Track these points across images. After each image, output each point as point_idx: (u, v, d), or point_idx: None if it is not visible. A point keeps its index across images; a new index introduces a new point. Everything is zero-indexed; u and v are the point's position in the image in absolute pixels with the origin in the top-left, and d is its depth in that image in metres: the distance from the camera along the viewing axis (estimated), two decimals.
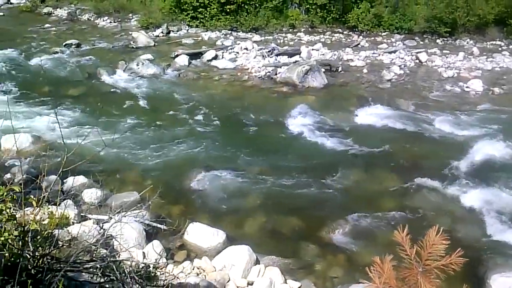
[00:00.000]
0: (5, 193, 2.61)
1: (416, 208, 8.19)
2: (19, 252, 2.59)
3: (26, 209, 2.79)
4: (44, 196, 2.90)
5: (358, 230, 7.60)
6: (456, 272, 2.56)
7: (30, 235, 2.71)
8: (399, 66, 15.86)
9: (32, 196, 2.87)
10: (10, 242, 2.53)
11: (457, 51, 17.24)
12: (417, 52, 17.02)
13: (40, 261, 2.73)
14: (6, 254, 2.50)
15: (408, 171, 9.33)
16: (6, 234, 2.46)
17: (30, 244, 2.70)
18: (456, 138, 10.85)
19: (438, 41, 18.95)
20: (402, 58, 16.65)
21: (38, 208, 2.82)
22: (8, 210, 2.57)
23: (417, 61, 16.48)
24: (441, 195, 8.59)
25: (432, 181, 8.94)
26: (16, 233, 2.55)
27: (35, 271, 2.63)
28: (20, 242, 2.61)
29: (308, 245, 7.27)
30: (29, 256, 2.69)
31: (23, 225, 2.64)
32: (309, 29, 20.65)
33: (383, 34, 19.85)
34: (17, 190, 2.71)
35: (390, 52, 17.30)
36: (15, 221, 2.60)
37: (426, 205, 8.26)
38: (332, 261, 7.00)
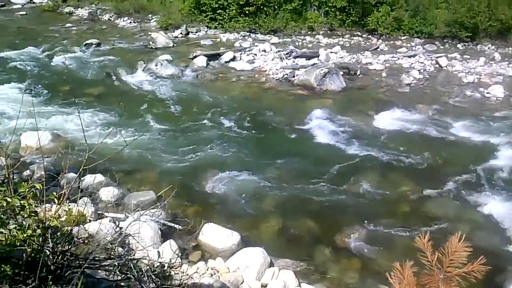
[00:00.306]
0: (26, 190, 2.64)
1: (434, 215, 8.09)
2: (39, 248, 2.62)
3: (45, 205, 2.82)
4: (65, 193, 2.92)
5: (374, 235, 7.53)
6: (477, 280, 2.51)
7: (50, 232, 2.74)
8: (419, 70, 15.69)
9: (54, 193, 2.90)
10: (31, 238, 2.56)
11: (478, 56, 16.99)
12: (437, 57, 16.81)
13: (60, 257, 2.76)
14: (28, 250, 2.53)
15: (427, 177, 9.22)
16: (29, 231, 2.49)
17: (49, 240, 2.73)
18: (476, 144, 10.70)
19: (458, 46, 18.71)
20: (422, 63, 16.46)
21: (59, 205, 2.84)
22: (30, 207, 2.60)
23: (437, 65, 16.28)
24: (460, 202, 8.47)
25: (451, 188, 8.83)
26: (39, 230, 2.58)
27: (54, 267, 2.65)
28: (41, 238, 2.64)
29: (323, 249, 7.22)
30: (48, 252, 2.72)
31: (44, 221, 2.67)
32: (328, 31, 20.56)
33: (403, 38, 19.66)
34: (39, 188, 2.74)
35: (409, 56, 17.12)
36: (36, 218, 2.63)
37: (445, 212, 8.15)
38: (347, 266, 6.94)
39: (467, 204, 8.44)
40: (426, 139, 10.92)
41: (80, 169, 3.00)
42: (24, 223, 2.56)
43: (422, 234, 2.60)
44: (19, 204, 2.53)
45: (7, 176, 2.72)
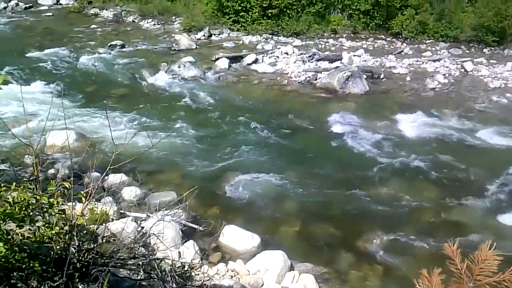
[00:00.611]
0: (54, 188, 2.67)
1: (459, 223, 7.95)
2: (65, 245, 2.64)
3: (72, 204, 2.85)
4: (92, 192, 2.94)
5: (397, 242, 7.42)
6: None
7: (76, 230, 2.76)
8: (444, 74, 15.42)
9: (81, 192, 2.93)
10: (58, 235, 2.58)
11: (505, 61, 16.60)
12: (463, 61, 16.51)
13: (85, 255, 2.78)
14: (56, 247, 2.56)
15: (451, 184, 9.06)
16: (57, 228, 2.52)
17: (75, 238, 2.75)
18: (502, 150, 10.47)
19: (485, 50, 18.33)
20: (447, 67, 16.19)
21: (86, 204, 2.87)
22: (57, 205, 2.63)
23: (463, 70, 15.98)
24: (486, 210, 8.29)
25: (476, 195, 8.65)
26: (67, 227, 2.60)
27: (80, 264, 2.67)
28: (67, 236, 2.66)
29: (344, 255, 7.16)
30: (74, 250, 2.74)
31: (71, 219, 2.70)
32: (351, 34, 20.40)
33: (428, 41, 19.38)
34: (68, 186, 2.76)
35: (434, 60, 16.86)
36: (64, 216, 2.66)
37: (470, 220, 7.99)
38: (369, 272, 6.86)
39: (493, 212, 8.25)
40: (451, 145, 10.73)
41: (107, 169, 3.02)
42: (51, 220, 2.59)
43: (451, 242, 2.53)
44: (47, 202, 2.56)
45: (36, 174, 2.76)
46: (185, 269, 4.08)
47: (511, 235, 7.61)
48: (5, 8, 25.22)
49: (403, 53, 18.03)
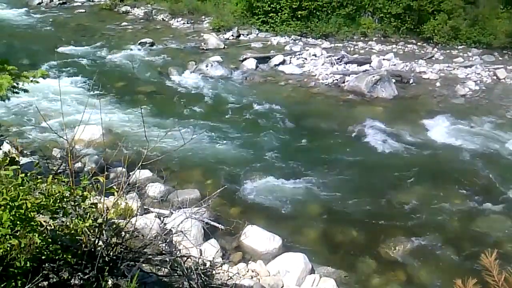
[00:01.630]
0: (88, 182, 2.73)
1: (485, 233, 7.77)
2: (95, 239, 2.70)
3: (100, 198, 2.91)
4: (123, 187, 3.00)
5: (421, 249, 7.32)
6: None
7: (106, 224, 2.82)
8: (475, 81, 15.10)
9: (113, 187, 2.99)
10: (90, 229, 2.65)
11: None
12: (495, 68, 16.13)
13: (114, 249, 2.83)
14: (86, 240, 2.62)
15: (480, 192, 8.87)
16: (90, 221, 2.58)
17: (104, 232, 2.81)
18: None
19: None
20: (479, 74, 15.84)
21: (117, 198, 2.93)
22: (90, 198, 2.69)
23: (495, 77, 15.61)
24: None
25: (504, 205, 8.45)
26: (100, 220, 2.66)
27: (108, 258, 2.73)
28: (96, 230, 2.72)
29: (366, 260, 7.09)
30: (103, 244, 2.80)
31: (102, 213, 2.75)
32: (381, 38, 20.16)
33: (459, 47, 19.00)
34: (102, 180, 2.83)
35: (465, 67, 16.51)
36: (95, 209, 2.72)
37: (496, 230, 7.80)
38: (391, 278, 6.79)
39: None
40: (480, 153, 10.49)
41: (139, 164, 3.07)
42: (83, 213, 2.65)
43: (489, 252, 2.47)
44: (81, 195, 2.62)
45: (70, 167, 2.83)
46: (207, 267, 4.12)
47: None
48: (39, 3, 25.84)
49: (433, 58, 17.72)
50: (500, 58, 17.86)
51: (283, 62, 16.49)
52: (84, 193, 2.65)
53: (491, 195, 8.76)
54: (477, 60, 17.44)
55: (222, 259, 6.61)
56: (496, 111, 12.99)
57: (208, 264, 4.13)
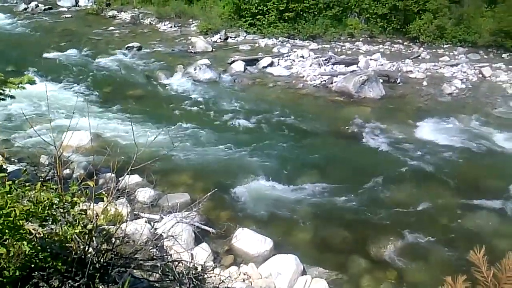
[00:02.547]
0: (77, 188, 2.71)
1: (474, 229, 7.85)
2: (85, 245, 2.68)
3: (90, 204, 2.90)
4: (113, 193, 2.99)
5: (411, 248, 7.36)
6: None
7: (96, 230, 2.80)
8: (461, 80, 15.29)
9: (103, 192, 2.97)
10: (80, 235, 2.63)
11: None
12: (481, 66, 16.34)
13: (105, 255, 2.82)
14: (76, 247, 2.60)
15: (467, 190, 8.95)
16: (79, 227, 2.56)
17: (94, 238, 2.79)
18: None
19: (504, 55, 18.11)
20: (465, 72, 16.04)
21: (107, 204, 2.91)
22: (79, 205, 2.68)
23: (480, 75, 15.81)
24: (502, 216, 8.18)
25: (492, 201, 8.55)
26: (90, 226, 2.65)
27: (99, 265, 2.71)
28: (86, 236, 2.70)
29: (357, 260, 7.12)
30: (93, 250, 2.78)
31: (91, 220, 2.74)
32: (368, 38, 20.32)
33: (445, 46, 19.22)
34: (92, 185, 2.81)
35: (452, 65, 16.71)
36: (85, 216, 2.70)
37: (486, 226, 7.90)
38: (382, 278, 6.81)
39: (510, 219, 8.13)
40: (467, 151, 10.61)
41: (128, 170, 3.06)
42: (72, 220, 2.63)
43: (477, 248, 2.50)
44: (70, 201, 2.60)
45: (58, 173, 2.81)
46: (198, 271, 4.11)
47: None
48: (25, 9, 25.66)
49: (420, 57, 17.91)
50: (485, 56, 18.10)
51: (271, 64, 16.54)
52: (73, 199, 2.63)
53: (479, 192, 8.84)
54: (463, 58, 17.65)
55: (214, 262, 6.60)
56: (483, 109, 13.14)
57: (199, 268, 4.12)
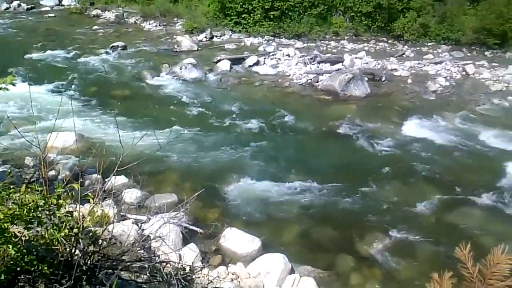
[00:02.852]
0: (62, 190, 2.68)
1: (460, 225, 7.95)
2: (72, 248, 2.65)
3: (76, 206, 2.86)
4: (99, 194, 2.96)
5: (398, 245, 7.42)
6: None
7: (83, 232, 2.77)
8: (445, 77, 15.46)
9: (89, 194, 2.94)
10: (66, 238, 2.59)
11: (507, 64, 16.60)
12: (464, 64, 16.54)
13: (91, 258, 2.79)
14: (62, 250, 2.56)
15: (453, 186, 9.05)
16: (66, 230, 2.53)
17: (81, 240, 2.76)
18: (503, 153, 10.46)
19: (486, 53, 18.36)
20: (448, 70, 16.22)
21: (93, 206, 2.88)
22: (65, 207, 2.64)
23: (464, 73, 16.01)
24: (486, 212, 8.30)
25: (477, 198, 8.67)
26: (76, 229, 2.61)
27: (86, 267, 2.68)
28: (73, 238, 2.67)
29: (345, 257, 7.15)
30: (80, 253, 2.75)
31: (78, 221, 2.71)
32: (353, 37, 20.44)
33: (429, 44, 19.41)
34: (77, 188, 2.78)
35: (436, 63, 16.89)
36: (71, 218, 2.67)
37: (471, 222, 7.99)
38: (370, 275, 6.86)
39: (494, 214, 8.26)
40: (452, 148, 10.73)
41: (114, 171, 3.03)
42: (58, 222, 2.60)
43: (463, 245, 2.54)
44: (56, 203, 2.57)
45: (43, 175, 2.77)
46: (186, 271, 4.09)
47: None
48: (7, 9, 25.31)
49: (404, 55, 18.06)
50: (469, 54, 18.32)
51: (257, 63, 16.54)
52: (59, 201, 2.60)
53: (465, 189, 8.95)
54: (447, 56, 17.86)
55: (202, 263, 6.58)
56: (467, 106, 13.30)
57: (187, 268, 4.10)
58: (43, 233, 2.60)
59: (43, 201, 2.52)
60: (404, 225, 7.84)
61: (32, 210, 2.46)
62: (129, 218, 7.29)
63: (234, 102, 13.18)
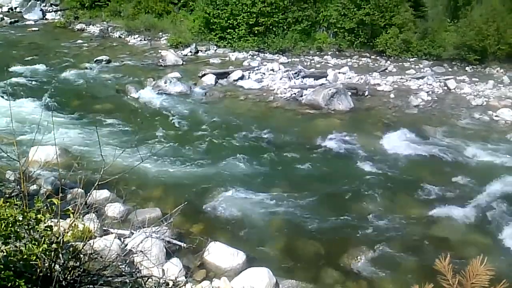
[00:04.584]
0: (42, 204, 2.65)
1: (442, 238, 8.02)
2: (51, 263, 2.61)
3: (56, 220, 2.83)
4: (79, 208, 2.93)
5: (381, 258, 7.47)
6: None
7: (63, 247, 2.73)
8: (427, 92, 15.69)
9: (69, 208, 2.90)
10: (46, 253, 2.55)
11: (487, 79, 16.96)
12: (446, 79, 16.81)
13: (71, 273, 2.75)
14: (41, 265, 2.52)
15: (435, 200, 9.16)
16: (44, 245, 2.49)
17: (61, 256, 2.72)
18: (484, 167, 10.62)
19: (467, 68, 18.70)
20: (430, 85, 16.46)
21: (73, 220, 2.84)
22: (45, 221, 2.60)
23: (446, 88, 16.27)
24: (468, 225, 8.39)
25: (459, 210, 8.75)
26: (55, 245, 2.57)
27: (65, 282, 2.64)
28: (53, 253, 2.63)
29: (329, 271, 7.18)
30: (60, 268, 2.71)
31: (57, 236, 2.67)
32: (337, 52, 20.67)
33: (411, 59, 19.72)
34: (56, 202, 2.74)
35: (418, 78, 17.13)
36: (51, 232, 2.63)
37: (454, 235, 8.08)
38: (354, 287, 6.85)
39: (476, 226, 8.36)
40: (434, 162, 10.86)
41: (95, 185, 3.01)
42: (38, 237, 2.55)
43: (442, 257, 2.57)
44: (35, 218, 2.53)
45: (23, 190, 2.73)
46: (170, 286, 4.05)
47: (496, 249, 7.70)
48: None
49: (387, 70, 18.29)
50: (450, 69, 18.64)
51: (242, 77, 16.61)
52: (38, 216, 2.56)
53: (446, 202, 9.05)
54: (429, 71, 18.13)
55: (186, 277, 6.51)
56: (448, 120, 13.51)
57: (170, 283, 4.06)
58: (21, 248, 2.56)
59: (22, 216, 2.48)
60: (386, 237, 7.89)
61: (10, 225, 2.42)
62: (112, 233, 7.20)
63: (218, 116, 13.20)
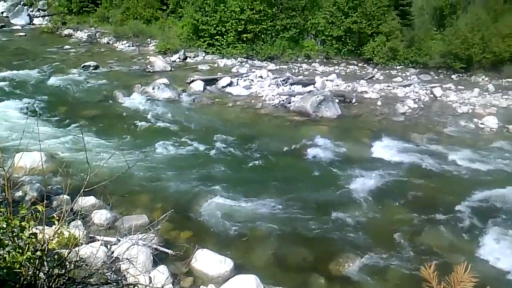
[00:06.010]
0: (26, 211, 2.61)
1: (428, 245, 8.06)
2: (36, 271, 2.58)
3: (41, 227, 2.79)
4: (64, 215, 2.89)
5: (369, 264, 7.47)
6: None
7: (48, 255, 2.70)
8: (414, 100, 15.86)
9: (54, 215, 2.87)
10: (30, 261, 2.52)
11: (472, 87, 17.22)
12: (432, 87, 17.02)
13: (56, 281, 2.71)
14: (25, 273, 2.48)
15: (421, 207, 9.21)
16: (28, 253, 2.45)
17: (46, 263, 2.68)
18: (470, 174, 10.73)
19: (453, 76, 18.97)
20: (417, 92, 16.65)
21: (58, 227, 2.81)
22: (29, 229, 2.57)
23: (432, 95, 16.47)
24: (454, 232, 8.45)
25: (445, 218, 8.82)
26: (39, 252, 2.54)
27: None
28: (37, 261, 2.60)
29: (317, 278, 7.16)
30: (44, 276, 2.67)
31: (42, 244, 2.64)
32: (324, 60, 20.83)
33: (398, 67, 19.94)
34: (41, 209, 2.71)
35: (404, 86, 17.33)
36: (35, 240, 2.60)
37: (439, 242, 8.12)
38: None
39: (462, 234, 8.42)
40: (420, 169, 10.95)
41: (81, 191, 2.98)
42: (22, 245, 2.52)
43: (427, 265, 2.59)
44: (19, 225, 2.50)
45: (7, 197, 2.70)
46: None
47: (481, 256, 7.76)
48: None
49: (374, 78, 18.47)
50: (436, 77, 18.88)
51: (230, 84, 16.65)
52: (22, 223, 2.53)
53: (432, 209, 9.11)
54: (415, 79, 18.34)
55: (173, 285, 6.47)
56: (434, 128, 13.66)
57: None
58: (5, 256, 2.52)
59: (6, 223, 2.45)
60: (374, 244, 7.91)
61: None
62: (98, 240, 7.13)
63: (206, 123, 13.19)
